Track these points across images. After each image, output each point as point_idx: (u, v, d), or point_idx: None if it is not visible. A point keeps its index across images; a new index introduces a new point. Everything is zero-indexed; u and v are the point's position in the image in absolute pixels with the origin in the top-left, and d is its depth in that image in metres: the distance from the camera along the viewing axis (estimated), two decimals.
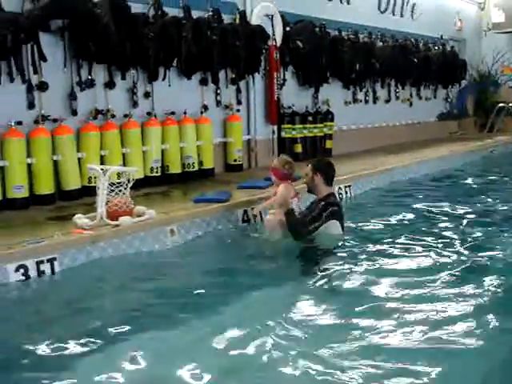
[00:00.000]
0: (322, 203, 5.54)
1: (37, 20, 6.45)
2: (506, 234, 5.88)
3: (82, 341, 3.60)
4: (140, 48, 7.30)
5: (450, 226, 6.32)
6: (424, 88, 14.40)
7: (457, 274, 4.69)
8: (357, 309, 4.04)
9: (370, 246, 5.52)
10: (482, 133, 16.11)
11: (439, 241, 5.64)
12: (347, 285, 4.58)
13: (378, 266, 4.97)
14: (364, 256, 5.22)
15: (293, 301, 4.26)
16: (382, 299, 4.24)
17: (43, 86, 6.72)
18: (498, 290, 4.31)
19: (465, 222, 6.45)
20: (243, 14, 9.02)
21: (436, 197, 8.00)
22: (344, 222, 5.71)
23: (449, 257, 5.16)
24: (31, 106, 6.68)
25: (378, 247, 5.48)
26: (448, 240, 5.71)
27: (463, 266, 4.87)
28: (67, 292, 4.66)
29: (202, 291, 4.50)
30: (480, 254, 5.20)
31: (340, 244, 5.56)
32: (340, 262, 5.05)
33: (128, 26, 7.13)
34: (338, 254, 5.34)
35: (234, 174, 8.81)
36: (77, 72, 7.04)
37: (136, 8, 7.40)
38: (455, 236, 5.85)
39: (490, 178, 9.70)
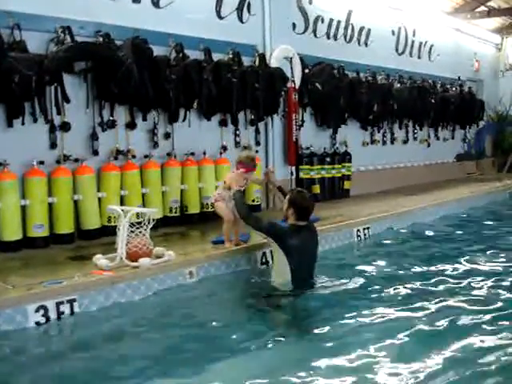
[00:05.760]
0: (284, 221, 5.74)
1: (61, 62, 6.57)
2: None
3: None
4: (161, 90, 7.40)
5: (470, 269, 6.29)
6: (442, 129, 14.41)
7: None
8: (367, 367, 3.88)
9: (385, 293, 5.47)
10: (500, 173, 16.05)
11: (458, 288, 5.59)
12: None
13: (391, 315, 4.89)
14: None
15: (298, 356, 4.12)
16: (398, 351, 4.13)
17: (66, 127, 6.83)
18: None
19: (488, 267, 6.40)
20: (263, 57, 9.12)
21: (455, 239, 7.92)
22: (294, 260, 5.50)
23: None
24: (53, 145, 6.78)
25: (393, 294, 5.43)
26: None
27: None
28: (85, 335, 4.60)
29: (211, 340, 4.42)
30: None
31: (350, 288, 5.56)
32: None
33: (150, 68, 7.25)
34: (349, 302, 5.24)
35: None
36: (99, 113, 7.14)
37: (158, 51, 7.52)
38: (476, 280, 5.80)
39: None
